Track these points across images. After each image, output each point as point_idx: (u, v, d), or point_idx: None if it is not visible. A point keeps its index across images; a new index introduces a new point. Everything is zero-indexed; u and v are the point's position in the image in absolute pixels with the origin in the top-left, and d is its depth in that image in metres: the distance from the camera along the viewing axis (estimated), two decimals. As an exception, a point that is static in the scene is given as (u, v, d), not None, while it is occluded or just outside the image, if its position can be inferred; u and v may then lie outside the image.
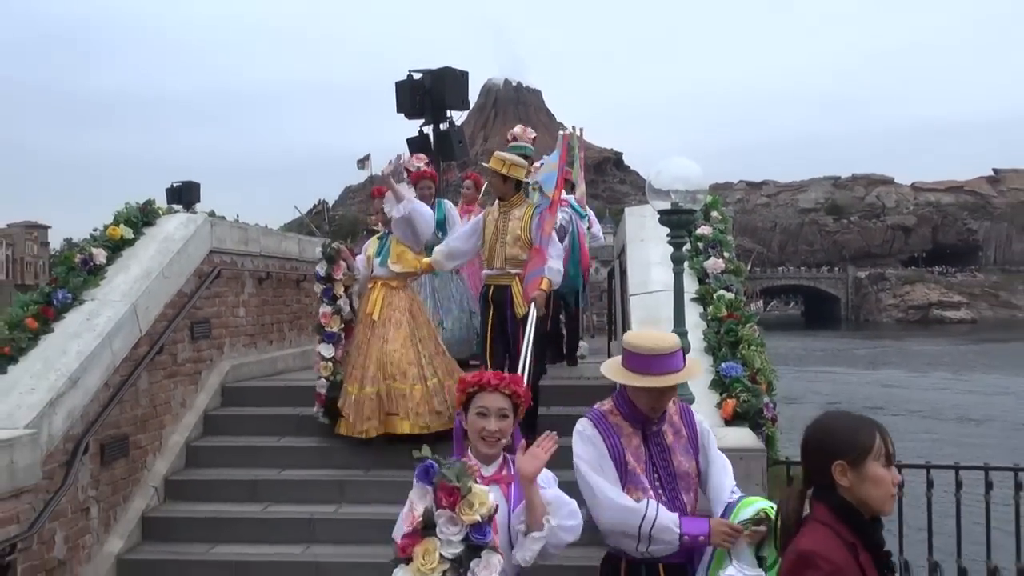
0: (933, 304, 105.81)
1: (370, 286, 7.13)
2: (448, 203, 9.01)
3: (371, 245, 7.22)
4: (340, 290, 7.16)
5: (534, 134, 9.19)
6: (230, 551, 6.28)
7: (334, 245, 7.24)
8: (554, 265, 6.39)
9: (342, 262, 7.15)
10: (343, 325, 7.16)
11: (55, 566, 5.62)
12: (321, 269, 7.14)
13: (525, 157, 7.60)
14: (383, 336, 6.84)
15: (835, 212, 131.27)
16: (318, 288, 7.23)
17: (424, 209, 7.27)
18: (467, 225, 7.12)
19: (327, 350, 7.09)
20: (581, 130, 8.63)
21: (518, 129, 9.19)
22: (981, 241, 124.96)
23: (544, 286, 6.27)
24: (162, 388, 7.15)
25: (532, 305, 6.16)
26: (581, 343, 9.45)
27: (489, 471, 3.33)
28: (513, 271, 6.52)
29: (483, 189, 9.72)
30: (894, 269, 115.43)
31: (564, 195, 7.83)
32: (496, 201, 6.79)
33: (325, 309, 7.12)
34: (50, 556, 5.58)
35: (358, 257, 7.25)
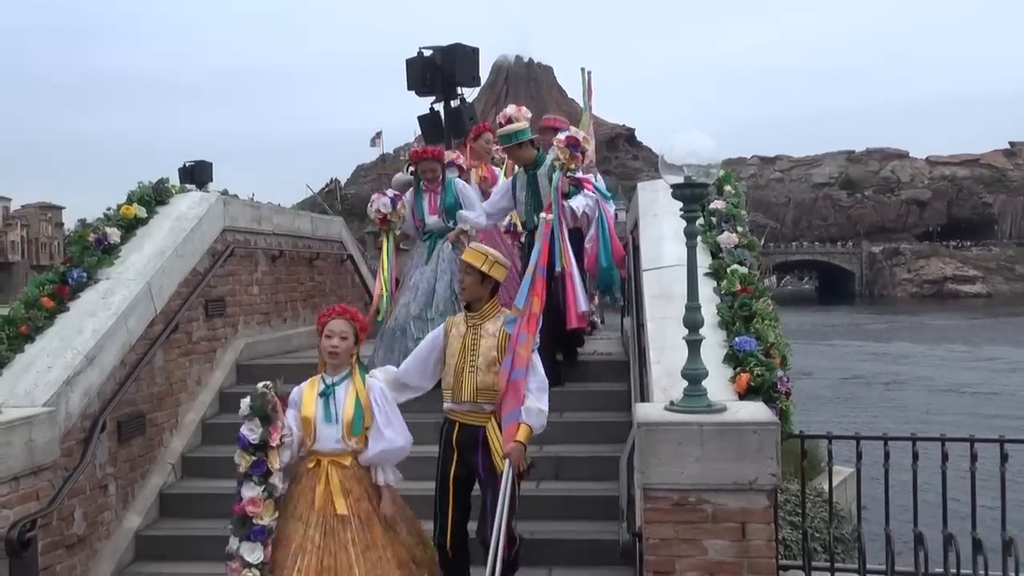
0: (948, 278, 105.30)
1: (309, 464, 4.74)
2: (459, 181, 8.05)
3: (308, 392, 4.80)
4: (275, 462, 4.65)
5: (530, 114, 8.71)
6: (247, 527, 6.33)
7: (266, 393, 4.67)
8: (534, 405, 4.69)
9: (278, 422, 4.69)
10: (275, 513, 4.65)
11: (75, 542, 5.69)
12: (252, 433, 4.65)
13: (528, 143, 7.19)
14: (341, 545, 4.52)
15: (849, 187, 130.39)
16: (243, 461, 4.69)
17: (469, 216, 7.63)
18: (424, 344, 5.11)
19: (252, 552, 4.54)
20: (589, 73, 8.26)
21: (511, 109, 8.69)
22: (997, 215, 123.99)
23: (521, 436, 4.64)
24: (177, 366, 7.20)
25: (507, 463, 4.62)
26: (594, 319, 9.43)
27: (337, 377, 4.72)
28: (488, 407, 4.81)
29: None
30: (909, 244, 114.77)
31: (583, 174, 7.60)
32: (463, 310, 5.11)
33: (251, 493, 4.61)
34: (70, 532, 5.64)
35: (288, 413, 4.78)
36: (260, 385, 4.66)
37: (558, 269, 6.56)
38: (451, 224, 7.70)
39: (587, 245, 7.63)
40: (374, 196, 7.68)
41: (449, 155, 8.52)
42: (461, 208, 7.68)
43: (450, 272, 7.35)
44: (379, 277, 7.84)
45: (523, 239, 7.99)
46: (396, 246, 8.04)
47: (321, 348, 4.77)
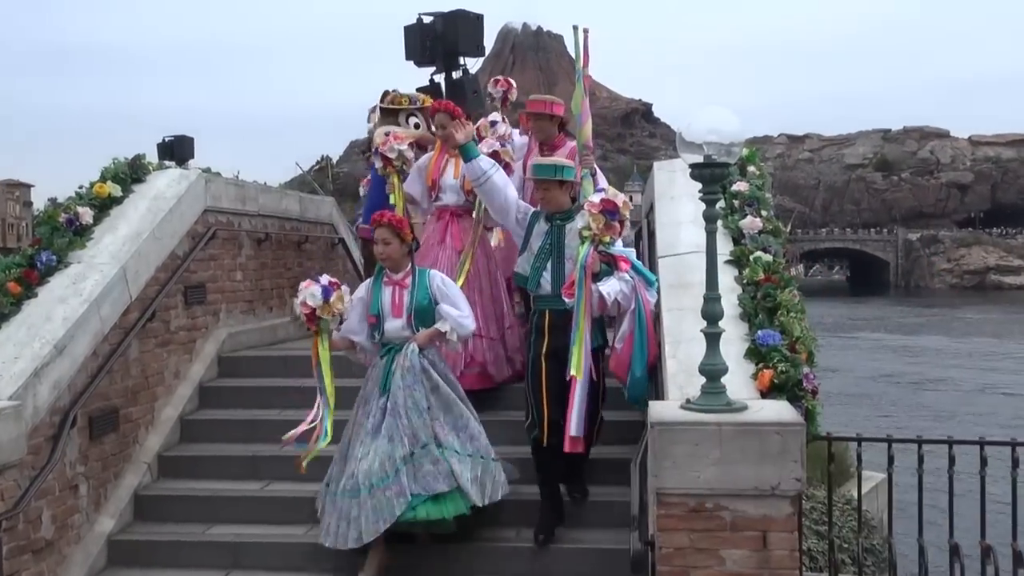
0: (991, 269, 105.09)
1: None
2: (437, 275, 6.14)
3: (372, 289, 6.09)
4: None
5: (562, 103, 8.39)
6: (227, 532, 6.36)
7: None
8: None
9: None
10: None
11: (43, 547, 5.71)
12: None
13: (569, 184, 6.31)
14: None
15: (884, 168, 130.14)
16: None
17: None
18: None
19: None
20: (585, 32, 7.44)
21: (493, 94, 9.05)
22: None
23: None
24: (154, 357, 7.21)
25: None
26: None
27: (398, 276, 5.91)
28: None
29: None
30: (948, 231, 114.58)
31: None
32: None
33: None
34: (37, 536, 5.66)
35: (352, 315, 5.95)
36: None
37: (570, 374, 5.58)
38: (419, 330, 5.92)
39: (617, 345, 6.04)
40: (302, 284, 5.68)
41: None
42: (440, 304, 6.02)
43: (415, 408, 5.73)
44: (318, 403, 5.86)
45: (517, 305, 7.50)
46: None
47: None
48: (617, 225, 5.67)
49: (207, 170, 8.55)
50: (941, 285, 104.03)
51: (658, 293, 6.03)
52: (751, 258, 5.85)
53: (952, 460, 4.99)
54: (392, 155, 7.43)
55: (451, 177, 7.23)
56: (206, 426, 7.41)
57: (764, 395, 4.80)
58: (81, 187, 7.35)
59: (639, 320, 5.88)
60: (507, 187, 6.31)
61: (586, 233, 5.65)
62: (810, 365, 5.04)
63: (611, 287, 5.76)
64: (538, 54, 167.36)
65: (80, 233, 6.88)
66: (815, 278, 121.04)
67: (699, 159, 4.43)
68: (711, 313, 4.44)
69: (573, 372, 5.52)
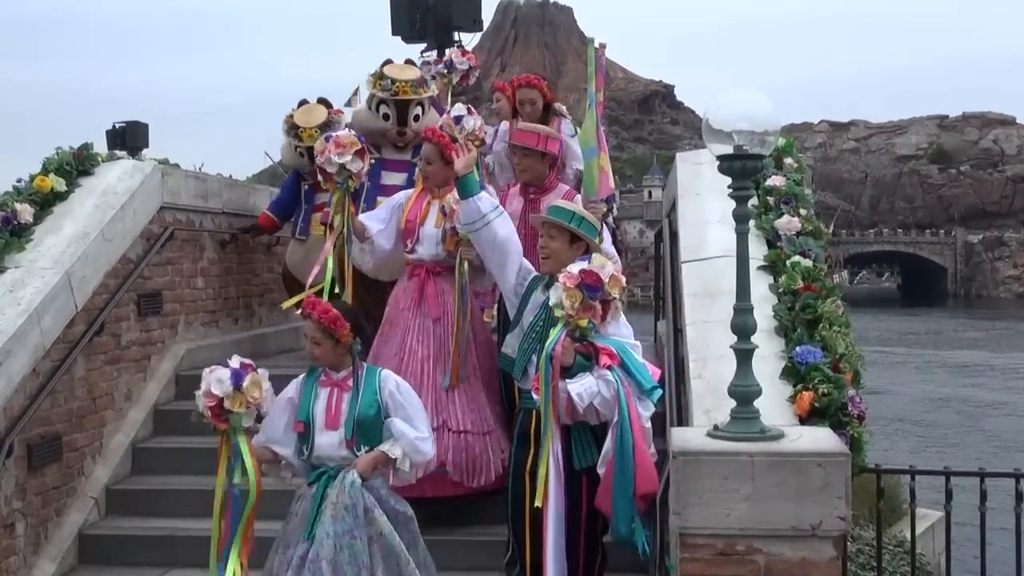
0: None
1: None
2: (392, 378, 5.18)
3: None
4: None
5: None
6: (186, 577, 6.35)
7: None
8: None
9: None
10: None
11: (-27, 594, 5.71)
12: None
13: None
14: None
15: (941, 160, 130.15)
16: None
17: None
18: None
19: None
20: (601, 47, 7.15)
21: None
22: None
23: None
24: (103, 376, 7.21)
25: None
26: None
27: (339, 376, 5.00)
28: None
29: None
30: (1015, 232, 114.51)
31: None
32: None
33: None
34: (-33, 581, 5.66)
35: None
36: None
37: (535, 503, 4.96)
38: (362, 451, 4.95)
39: (599, 469, 5.06)
40: (206, 371, 4.83)
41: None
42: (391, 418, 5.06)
43: (351, 563, 4.80)
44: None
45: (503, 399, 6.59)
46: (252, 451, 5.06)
47: None
48: (598, 306, 4.84)
49: (164, 161, 8.58)
50: (1007, 294, 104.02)
51: (656, 404, 5.10)
52: (788, 263, 5.86)
53: (1020, 496, 4.98)
54: (331, 169, 6.30)
55: (432, 226, 6.39)
56: (161, 455, 7.41)
57: (803, 421, 4.80)
58: (19, 180, 7.37)
59: (621, 438, 4.86)
60: (511, 238, 5.49)
61: (558, 312, 4.87)
62: (856, 387, 5.05)
63: (584, 388, 4.87)
64: (544, 29, 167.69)
65: (18, 233, 6.89)
66: (861, 286, 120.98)
67: (728, 150, 4.43)
68: (742, 326, 4.44)
69: (537, 502, 4.88)
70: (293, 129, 8.76)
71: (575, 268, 4.89)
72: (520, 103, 8.03)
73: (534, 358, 5.06)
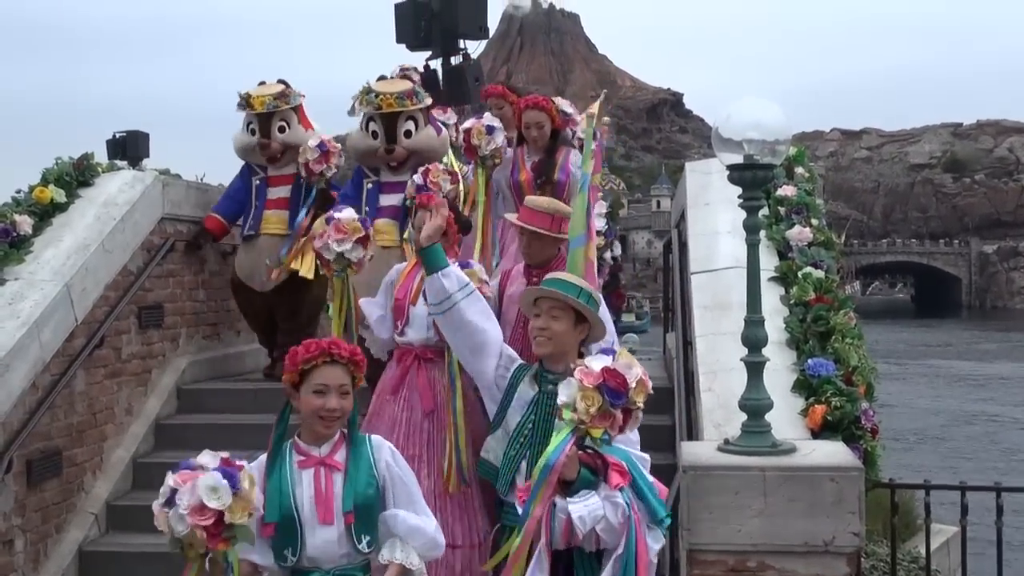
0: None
1: None
2: (388, 448, 6.04)
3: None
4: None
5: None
6: (188, 594, 6.35)
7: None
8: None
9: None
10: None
11: (-29, 611, 5.72)
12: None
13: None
14: None
15: (955, 169, 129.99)
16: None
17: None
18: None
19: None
20: (603, 96, 6.69)
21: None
22: None
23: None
24: (103, 390, 7.22)
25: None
26: (629, 335, 9.45)
27: (323, 451, 3.91)
28: None
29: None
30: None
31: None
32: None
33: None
34: (-35, 599, 5.67)
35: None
36: None
37: None
38: (363, 543, 3.91)
39: None
40: (171, 478, 3.79)
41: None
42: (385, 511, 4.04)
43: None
44: None
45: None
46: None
47: (304, 407, 3.88)
48: (618, 415, 3.92)
49: (165, 171, 8.59)
50: (1022, 305, 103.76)
51: (668, 535, 4.29)
52: (800, 274, 5.86)
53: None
54: (329, 256, 5.71)
55: (423, 306, 5.32)
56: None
57: (816, 435, 4.79)
58: (18, 191, 7.39)
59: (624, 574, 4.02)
60: (485, 321, 4.70)
61: (568, 415, 3.91)
62: (869, 400, 5.04)
63: (589, 511, 3.98)
64: (550, 36, 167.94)
65: (17, 245, 6.91)
66: (874, 297, 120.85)
67: (739, 159, 4.44)
68: (753, 339, 4.44)
69: None
70: (244, 101, 8.24)
71: (596, 364, 3.93)
72: (526, 126, 7.20)
73: (523, 466, 4.36)
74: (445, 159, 7.86)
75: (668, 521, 4.14)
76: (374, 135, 7.48)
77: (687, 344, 6.48)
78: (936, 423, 33.17)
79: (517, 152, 7.36)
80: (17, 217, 7.02)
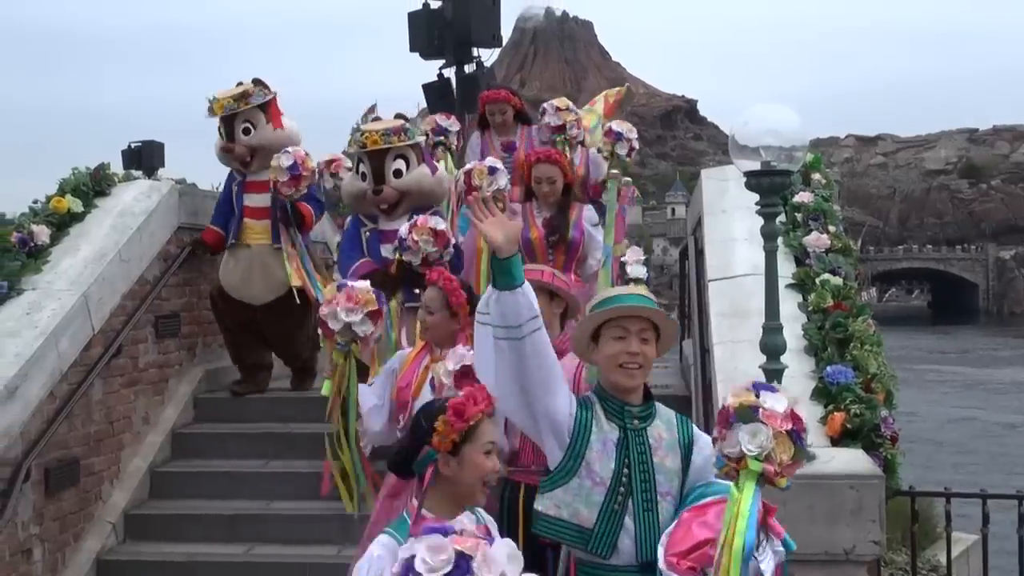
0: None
1: None
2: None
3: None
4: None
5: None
6: (206, 603, 6.36)
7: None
8: None
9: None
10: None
11: (-10, 621, 5.73)
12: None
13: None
14: None
15: (971, 175, 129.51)
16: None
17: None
18: None
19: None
20: (628, 185, 6.73)
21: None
22: None
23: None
24: (120, 399, 7.24)
25: None
26: None
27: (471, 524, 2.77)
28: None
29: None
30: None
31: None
32: None
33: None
34: (-17, 608, 5.68)
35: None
36: None
37: None
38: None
39: None
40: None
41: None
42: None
43: None
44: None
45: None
46: None
47: (471, 469, 3.29)
48: (803, 462, 3.40)
49: (181, 181, 8.61)
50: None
51: None
52: (817, 281, 5.85)
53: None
54: (334, 325, 4.98)
55: (431, 394, 4.61)
56: (180, 479, 7.42)
57: (835, 442, 4.78)
58: (36, 202, 7.43)
59: None
60: (550, 348, 3.76)
61: (754, 466, 3.22)
62: (888, 407, 5.03)
63: (769, 568, 3.35)
64: (564, 44, 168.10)
65: (35, 255, 6.94)
66: (891, 304, 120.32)
67: (756, 165, 4.45)
68: (771, 346, 4.44)
69: None
70: (209, 105, 7.88)
71: (776, 404, 3.30)
72: (536, 180, 6.71)
73: (629, 523, 3.63)
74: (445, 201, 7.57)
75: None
76: (363, 177, 6.90)
77: (704, 351, 6.47)
78: (956, 430, 33.04)
79: (526, 207, 6.81)
80: (34, 227, 7.06)
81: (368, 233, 6.82)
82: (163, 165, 18.95)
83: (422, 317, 5.00)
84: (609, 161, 8.03)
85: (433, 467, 3.23)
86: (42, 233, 7.06)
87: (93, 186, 7.65)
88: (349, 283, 5.11)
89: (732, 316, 5.88)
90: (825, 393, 5.04)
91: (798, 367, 5.19)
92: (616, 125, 8.16)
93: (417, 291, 5.73)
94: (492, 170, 6.71)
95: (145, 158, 18.64)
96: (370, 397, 5.05)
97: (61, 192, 7.45)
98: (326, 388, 5.12)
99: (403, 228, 6.00)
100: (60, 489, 6.47)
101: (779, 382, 4.45)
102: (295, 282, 7.47)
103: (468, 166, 6.96)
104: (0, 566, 5.84)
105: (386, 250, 6.67)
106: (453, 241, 6.10)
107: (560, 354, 3.97)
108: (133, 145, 19.60)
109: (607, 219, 4.85)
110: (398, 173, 6.82)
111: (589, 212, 6.89)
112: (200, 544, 6.78)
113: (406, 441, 3.38)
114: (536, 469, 4.15)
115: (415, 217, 6.09)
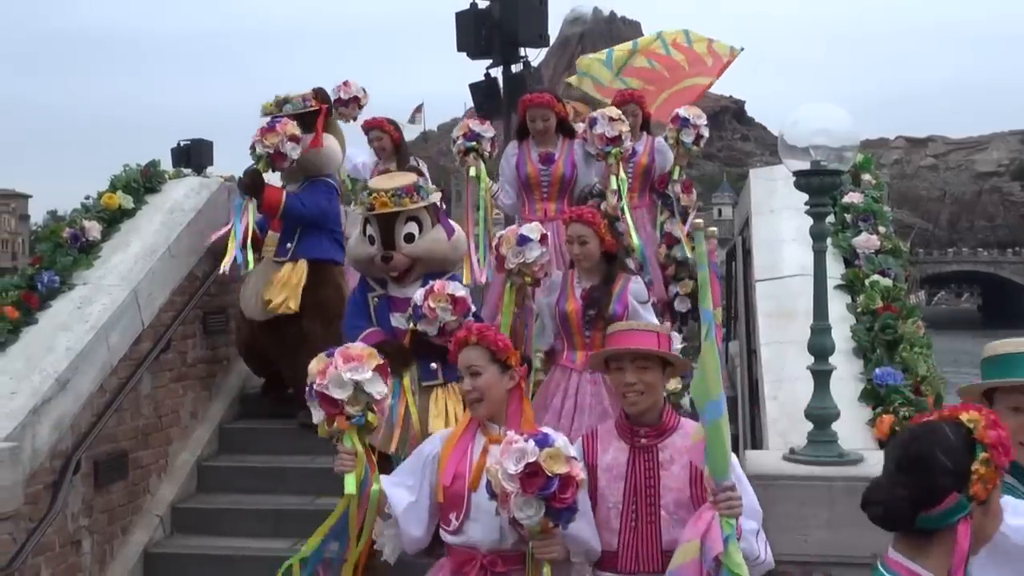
0: None
1: None
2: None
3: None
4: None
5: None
6: (251, 597, 6.40)
7: None
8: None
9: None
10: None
11: (40, 611, 5.79)
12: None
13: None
14: None
15: (1023, 177, 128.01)
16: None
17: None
18: None
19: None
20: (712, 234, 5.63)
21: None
22: None
23: None
24: (169, 394, 7.31)
25: None
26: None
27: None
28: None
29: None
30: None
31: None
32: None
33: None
34: (33, 598, 5.74)
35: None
36: None
37: None
38: None
39: None
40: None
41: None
42: None
43: None
44: None
45: None
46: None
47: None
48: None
49: (229, 178, 8.66)
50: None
51: None
52: (867, 282, 5.80)
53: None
54: (341, 395, 4.06)
55: (486, 494, 3.69)
56: (226, 474, 7.47)
57: (883, 445, 4.73)
58: (87, 198, 7.52)
59: None
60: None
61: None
62: (938, 409, 4.97)
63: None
64: (610, 43, 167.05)
65: (86, 250, 7.02)
66: (940, 307, 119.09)
67: (805, 165, 4.41)
68: (820, 347, 4.40)
69: None
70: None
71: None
72: (568, 240, 5.85)
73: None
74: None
75: None
76: (371, 240, 5.97)
77: (751, 353, 6.44)
78: (1003, 435, 32.66)
79: (567, 276, 5.94)
80: (86, 223, 7.13)
81: (376, 299, 6.02)
82: (212, 163, 19.12)
83: (466, 388, 4.11)
84: (675, 150, 7.97)
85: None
86: (93, 229, 7.13)
87: (144, 183, 7.72)
88: (336, 349, 4.11)
89: (779, 317, 5.85)
90: (874, 395, 5.00)
91: (846, 368, 5.14)
92: (684, 111, 8.04)
93: (434, 365, 5.50)
94: (522, 240, 5.83)
95: (194, 156, 18.82)
96: (401, 492, 4.13)
97: (112, 188, 7.52)
98: (350, 485, 4.07)
99: (418, 295, 5.40)
100: (109, 482, 6.53)
101: (827, 383, 4.41)
102: (270, 295, 7.25)
103: (501, 232, 6.14)
104: (50, 557, 5.91)
105: (396, 319, 5.88)
106: (472, 309, 5.44)
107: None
108: (182, 143, 19.80)
109: (699, 281, 3.68)
110: (410, 238, 5.91)
111: (637, 285, 5.82)
112: (245, 539, 6.82)
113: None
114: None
115: (431, 283, 5.47)
